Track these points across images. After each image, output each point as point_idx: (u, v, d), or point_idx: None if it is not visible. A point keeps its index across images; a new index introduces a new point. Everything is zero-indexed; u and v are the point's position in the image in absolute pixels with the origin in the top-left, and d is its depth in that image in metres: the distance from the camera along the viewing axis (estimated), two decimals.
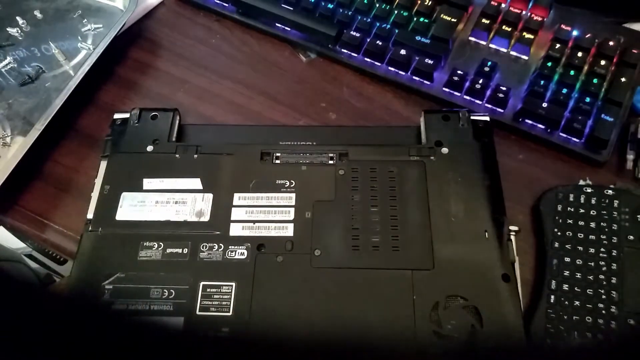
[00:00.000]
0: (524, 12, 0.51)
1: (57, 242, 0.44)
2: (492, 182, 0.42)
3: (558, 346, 0.38)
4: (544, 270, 0.40)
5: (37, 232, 0.45)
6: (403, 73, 0.50)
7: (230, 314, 0.37)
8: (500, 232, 0.40)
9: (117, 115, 0.47)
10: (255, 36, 0.55)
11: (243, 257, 0.39)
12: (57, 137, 0.48)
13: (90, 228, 0.41)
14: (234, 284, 0.38)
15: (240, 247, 0.40)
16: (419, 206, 0.41)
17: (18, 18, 0.53)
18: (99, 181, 0.43)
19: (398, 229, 0.40)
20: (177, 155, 0.44)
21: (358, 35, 0.51)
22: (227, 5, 0.55)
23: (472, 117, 0.45)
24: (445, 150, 0.43)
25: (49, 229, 0.45)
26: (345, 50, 0.52)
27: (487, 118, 0.45)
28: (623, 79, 0.46)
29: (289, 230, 0.40)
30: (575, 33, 0.49)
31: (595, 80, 0.47)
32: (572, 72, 0.47)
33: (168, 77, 0.53)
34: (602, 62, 0.47)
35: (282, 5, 0.53)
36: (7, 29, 0.53)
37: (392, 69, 0.50)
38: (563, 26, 0.49)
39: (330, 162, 0.43)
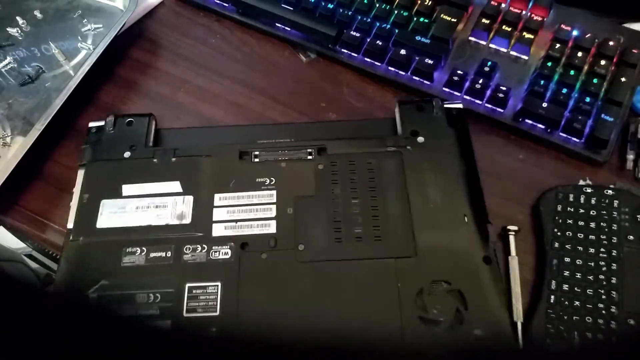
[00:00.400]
0: (524, 12, 0.51)
1: (57, 242, 0.44)
2: (468, 167, 0.42)
3: (558, 346, 0.38)
4: (544, 270, 0.40)
5: (37, 232, 0.45)
6: (403, 73, 0.50)
7: (217, 313, 0.37)
8: (479, 215, 0.40)
9: (92, 124, 0.47)
10: (255, 36, 0.55)
11: (227, 256, 0.40)
12: (57, 137, 0.48)
13: (71, 238, 0.41)
14: (219, 283, 0.39)
15: (224, 247, 0.40)
16: (398, 195, 0.41)
17: (18, 18, 0.53)
18: (77, 190, 0.43)
19: (379, 219, 0.41)
20: (155, 160, 0.44)
21: (358, 35, 0.51)
22: (227, 5, 0.55)
23: (445, 105, 0.45)
24: (421, 139, 0.44)
25: (49, 229, 0.45)
26: (345, 50, 0.52)
27: (460, 105, 0.45)
28: (623, 79, 0.46)
29: (271, 227, 0.41)
30: (575, 33, 0.49)
31: (595, 80, 0.47)
32: (572, 72, 0.47)
33: (168, 77, 0.53)
34: (602, 62, 0.47)
35: (282, 5, 0.53)
36: (7, 29, 0.53)
37: (392, 69, 0.50)
38: (563, 26, 0.49)
39: (309, 157, 0.44)
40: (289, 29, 0.53)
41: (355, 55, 0.51)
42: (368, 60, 0.51)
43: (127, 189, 0.43)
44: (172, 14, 0.57)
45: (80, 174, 0.44)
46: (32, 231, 0.45)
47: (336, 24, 0.52)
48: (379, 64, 0.51)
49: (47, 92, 0.49)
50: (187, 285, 0.39)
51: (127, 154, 0.44)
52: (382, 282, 0.38)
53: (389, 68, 0.51)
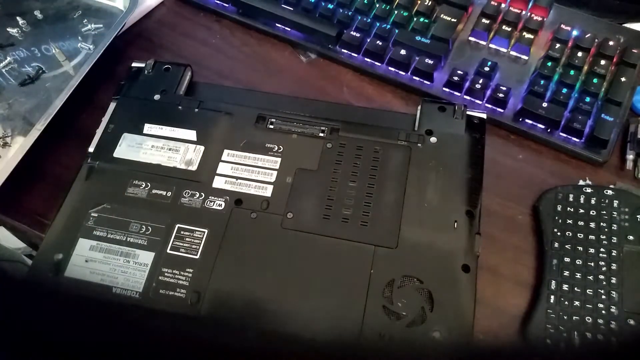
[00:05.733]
0: (524, 12, 0.51)
1: None
2: (473, 176, 0.42)
3: (558, 346, 0.38)
4: (543, 270, 0.40)
5: (37, 232, 0.45)
6: (403, 73, 0.50)
7: (197, 257, 0.40)
8: (470, 225, 0.40)
9: (134, 64, 0.50)
10: (255, 36, 0.55)
11: (220, 208, 0.42)
12: (57, 137, 0.48)
13: (89, 160, 0.44)
14: (206, 231, 0.41)
15: (219, 199, 0.42)
16: (395, 188, 0.42)
17: (18, 18, 0.53)
18: (105, 119, 0.46)
19: (370, 205, 0.41)
20: (180, 107, 0.47)
21: (358, 35, 0.51)
22: (227, 5, 0.55)
23: (467, 113, 0.45)
24: (433, 139, 0.44)
25: (49, 229, 0.45)
26: (345, 50, 0.52)
27: (484, 115, 0.45)
28: (623, 79, 0.46)
29: (267, 191, 0.42)
30: (575, 33, 0.49)
31: (595, 80, 0.47)
32: (572, 72, 0.47)
33: None
34: (602, 62, 0.47)
35: (282, 5, 0.53)
36: (7, 29, 0.53)
37: (392, 69, 0.50)
38: (563, 26, 0.49)
39: (321, 134, 0.45)
40: (289, 29, 0.53)
41: (355, 55, 0.51)
42: (368, 60, 0.51)
43: (148, 127, 0.46)
44: (172, 14, 0.57)
45: (112, 105, 0.47)
46: (32, 231, 0.45)
47: (336, 24, 0.52)
48: (379, 64, 0.51)
49: (47, 92, 0.49)
50: (178, 225, 0.41)
51: (156, 97, 0.47)
52: (357, 265, 0.39)
53: (389, 68, 0.51)
